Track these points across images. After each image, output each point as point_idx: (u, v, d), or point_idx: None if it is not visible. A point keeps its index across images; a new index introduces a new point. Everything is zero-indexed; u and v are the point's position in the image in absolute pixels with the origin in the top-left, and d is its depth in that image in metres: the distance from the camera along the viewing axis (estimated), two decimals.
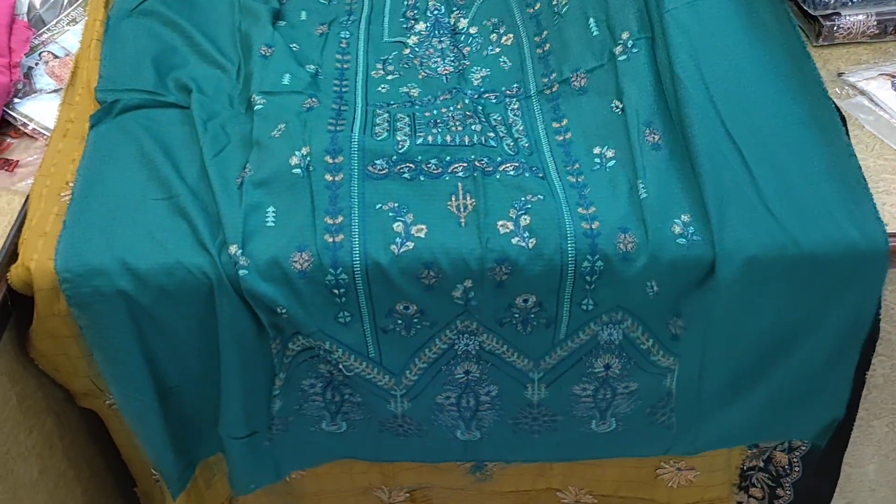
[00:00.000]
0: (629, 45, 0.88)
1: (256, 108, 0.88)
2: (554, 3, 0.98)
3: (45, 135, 0.92)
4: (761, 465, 1.00)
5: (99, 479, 1.04)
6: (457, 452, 0.96)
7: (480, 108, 0.90)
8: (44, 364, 0.84)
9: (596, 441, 0.93)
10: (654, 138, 0.82)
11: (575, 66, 0.91)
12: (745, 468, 1.00)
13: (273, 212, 0.79)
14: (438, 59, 1.00)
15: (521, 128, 0.89)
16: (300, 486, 1.02)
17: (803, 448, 0.97)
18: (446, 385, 0.88)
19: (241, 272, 0.76)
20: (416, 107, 0.92)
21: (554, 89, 0.92)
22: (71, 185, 0.83)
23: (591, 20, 0.93)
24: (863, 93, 0.93)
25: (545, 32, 0.98)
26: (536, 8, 1.01)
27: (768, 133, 0.82)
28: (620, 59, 0.88)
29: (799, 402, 0.88)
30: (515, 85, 0.94)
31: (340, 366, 0.83)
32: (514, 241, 0.77)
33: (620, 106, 0.85)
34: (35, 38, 1.01)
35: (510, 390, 0.88)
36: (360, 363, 0.84)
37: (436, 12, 1.07)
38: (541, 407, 0.90)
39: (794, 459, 0.98)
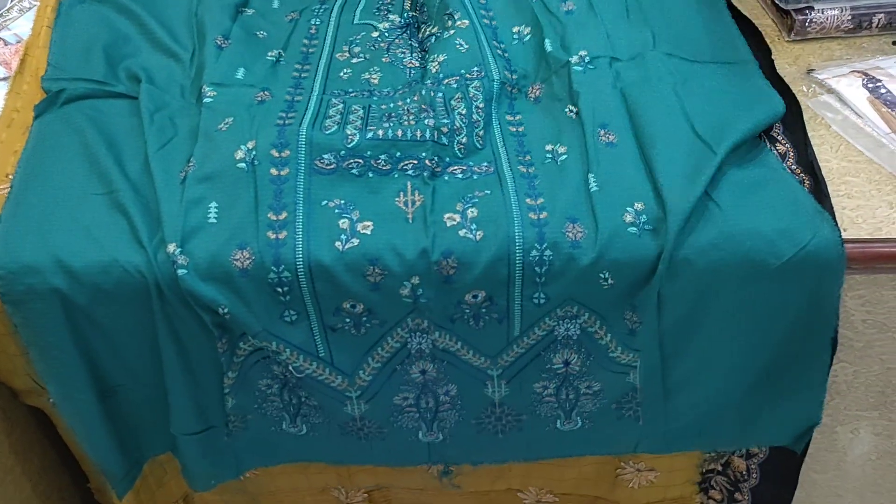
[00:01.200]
0: (586, 61, 0.89)
1: (205, 100, 0.86)
2: (514, 31, 0.98)
3: None
4: (720, 468, 0.98)
5: (51, 474, 1.02)
6: (421, 455, 0.94)
7: (440, 95, 0.87)
8: None
9: (563, 439, 0.91)
10: (609, 138, 0.82)
11: (532, 80, 0.92)
12: (704, 471, 0.98)
13: (215, 207, 0.77)
14: (406, 51, 0.98)
15: (480, 105, 0.87)
16: (256, 486, 1.01)
17: (761, 455, 0.95)
18: (403, 385, 0.86)
19: (179, 272, 0.73)
20: (374, 98, 0.89)
21: (513, 91, 0.91)
22: (11, 177, 0.81)
23: (547, 41, 0.93)
24: (831, 91, 0.90)
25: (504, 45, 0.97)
26: (493, 23, 0.99)
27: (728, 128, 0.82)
28: (576, 68, 0.89)
29: (772, 403, 0.87)
30: (476, 68, 0.91)
31: (290, 367, 0.81)
32: (462, 233, 0.75)
33: (574, 110, 0.85)
34: None
35: (469, 389, 0.86)
36: (309, 364, 0.82)
37: (406, 15, 1.05)
38: (503, 406, 0.88)
39: (752, 466, 0.96)
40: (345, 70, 0.94)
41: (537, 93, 0.90)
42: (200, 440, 0.88)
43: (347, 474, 0.99)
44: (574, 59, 0.89)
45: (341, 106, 0.87)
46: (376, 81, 0.92)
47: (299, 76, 0.92)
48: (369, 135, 0.81)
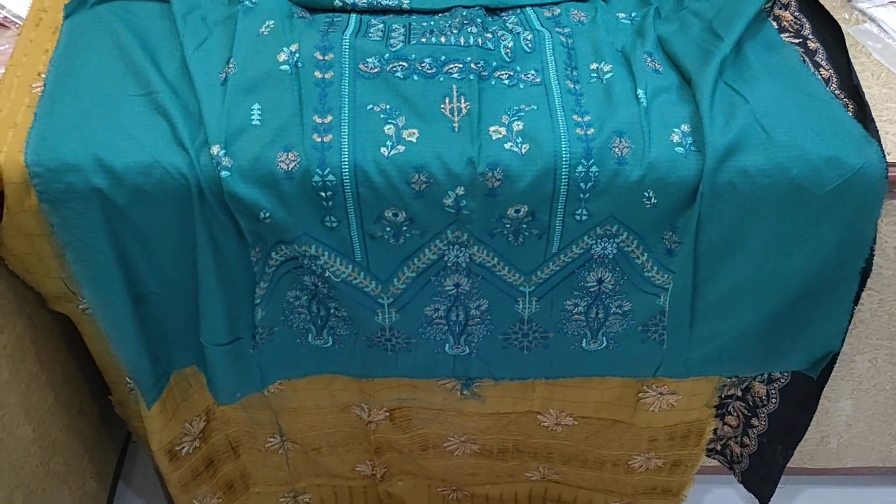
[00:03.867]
0: (632, 15, 0.90)
1: (245, 2, 0.84)
2: None
3: (17, 23, 0.87)
4: (739, 393, 1.00)
5: (73, 384, 1.02)
6: (445, 369, 0.95)
7: (479, 20, 0.87)
8: (14, 264, 0.81)
9: (587, 359, 0.93)
10: (655, 66, 0.82)
11: (574, 8, 0.91)
12: (723, 396, 1.00)
13: (258, 109, 0.76)
14: None
15: (525, 29, 0.86)
16: (279, 402, 1.01)
17: (783, 380, 0.96)
18: (435, 297, 0.86)
19: (223, 173, 0.72)
20: (413, 17, 0.88)
21: (556, 13, 0.90)
22: (43, 76, 0.79)
23: None
24: (872, 19, 0.90)
25: None
26: None
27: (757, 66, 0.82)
28: (623, 21, 0.90)
29: (795, 330, 0.88)
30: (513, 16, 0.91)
31: (327, 273, 0.81)
32: (507, 146, 0.75)
33: (619, 46, 0.85)
34: None
35: (500, 304, 0.87)
36: (346, 267, 0.81)
37: None
38: (531, 323, 0.89)
39: (773, 391, 0.97)
40: None
41: (581, 17, 0.89)
42: (228, 351, 0.88)
43: (371, 391, 0.99)
44: (621, 14, 0.90)
45: (381, 25, 0.86)
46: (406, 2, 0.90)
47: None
48: (413, 42, 0.80)
